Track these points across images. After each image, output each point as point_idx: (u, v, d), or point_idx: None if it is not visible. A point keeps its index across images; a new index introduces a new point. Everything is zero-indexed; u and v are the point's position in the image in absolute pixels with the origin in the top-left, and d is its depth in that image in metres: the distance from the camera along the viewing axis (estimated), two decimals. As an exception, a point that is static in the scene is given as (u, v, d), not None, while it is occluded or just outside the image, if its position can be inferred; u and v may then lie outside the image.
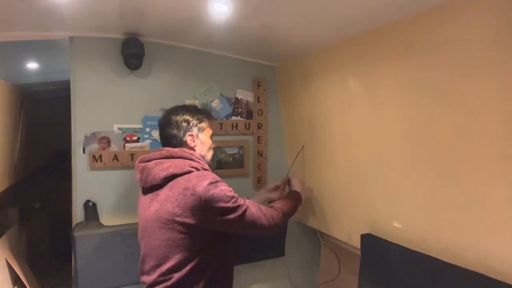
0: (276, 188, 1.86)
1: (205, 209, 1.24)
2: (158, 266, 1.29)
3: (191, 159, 1.36)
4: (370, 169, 1.60)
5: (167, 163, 1.32)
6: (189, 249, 1.27)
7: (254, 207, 1.37)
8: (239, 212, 1.30)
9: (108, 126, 1.88)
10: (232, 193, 1.31)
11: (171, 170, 1.29)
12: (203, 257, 1.30)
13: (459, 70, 1.14)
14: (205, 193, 1.23)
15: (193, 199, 1.23)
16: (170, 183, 1.29)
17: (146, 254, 1.35)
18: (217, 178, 1.31)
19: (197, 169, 1.33)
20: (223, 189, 1.28)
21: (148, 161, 1.37)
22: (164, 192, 1.29)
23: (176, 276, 1.26)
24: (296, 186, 1.78)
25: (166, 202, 1.27)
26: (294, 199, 1.66)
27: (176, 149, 1.38)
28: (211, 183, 1.26)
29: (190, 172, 1.30)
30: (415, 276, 1.34)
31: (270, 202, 1.66)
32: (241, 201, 1.33)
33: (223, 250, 1.40)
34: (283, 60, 2.17)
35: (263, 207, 1.43)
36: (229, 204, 1.28)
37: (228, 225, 1.32)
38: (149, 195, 1.35)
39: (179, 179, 1.28)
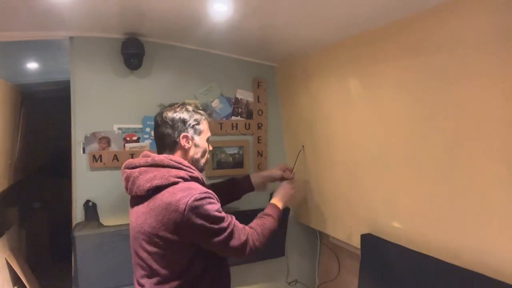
0: (282, 179, 1.80)
1: (187, 227, 1.17)
2: (148, 277, 1.25)
3: (179, 168, 1.26)
4: (370, 169, 1.60)
5: (152, 172, 1.23)
6: (177, 264, 1.23)
7: (238, 233, 1.27)
8: (221, 237, 1.22)
9: (108, 126, 1.88)
10: (217, 213, 1.22)
11: (155, 182, 1.20)
12: (194, 270, 1.25)
13: (459, 71, 1.14)
14: (188, 211, 1.15)
15: (175, 216, 1.15)
16: (155, 195, 1.21)
17: (136, 263, 1.31)
18: (205, 193, 1.20)
19: (184, 179, 1.24)
20: (208, 208, 1.18)
21: (134, 167, 1.28)
22: (148, 204, 1.22)
23: None
24: (276, 196, 1.61)
25: (150, 216, 1.20)
26: (276, 216, 1.50)
27: (161, 157, 1.27)
28: (196, 200, 1.16)
29: (175, 183, 1.21)
30: (415, 276, 1.34)
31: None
32: (226, 223, 1.24)
33: (218, 260, 1.33)
34: (283, 60, 2.17)
35: (247, 230, 1.33)
36: (213, 226, 1.19)
37: (209, 246, 1.24)
38: (136, 205, 1.29)
39: (164, 191, 1.20)
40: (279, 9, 1.43)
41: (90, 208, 1.84)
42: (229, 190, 1.72)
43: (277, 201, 1.58)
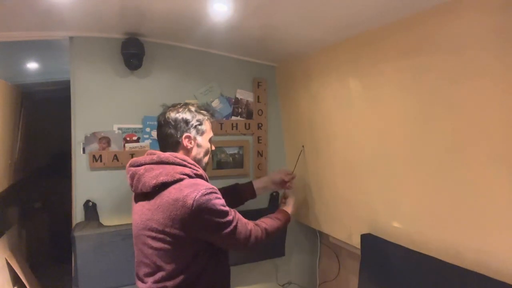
0: (282, 183, 1.82)
1: (195, 222, 1.20)
2: (151, 274, 1.26)
3: (183, 165, 1.29)
4: (370, 169, 1.60)
5: (158, 169, 1.26)
6: (182, 259, 1.24)
7: (242, 226, 1.32)
8: (228, 230, 1.26)
9: (108, 126, 1.88)
10: (224, 208, 1.26)
11: (161, 178, 1.23)
12: (197, 265, 1.27)
13: (459, 71, 1.14)
14: (196, 206, 1.17)
15: (183, 211, 1.18)
16: (161, 192, 1.23)
17: (139, 261, 1.32)
18: (210, 188, 1.24)
19: (189, 176, 1.27)
20: (215, 203, 1.22)
21: (139, 165, 1.31)
22: (155, 201, 1.24)
23: (170, 284, 1.24)
24: (289, 205, 1.70)
25: (157, 212, 1.22)
26: (283, 221, 1.58)
27: (167, 154, 1.30)
28: (204, 195, 1.19)
29: (181, 179, 1.24)
30: (415, 276, 1.34)
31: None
32: (230, 216, 1.28)
33: (219, 256, 1.36)
34: (283, 60, 2.17)
35: (250, 224, 1.38)
36: (219, 219, 1.23)
37: (214, 239, 1.28)
38: (141, 203, 1.31)
39: (170, 188, 1.22)
40: (279, 9, 1.43)
41: (90, 208, 1.84)
42: (232, 196, 1.72)
43: (288, 208, 1.68)
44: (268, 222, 1.48)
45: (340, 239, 1.89)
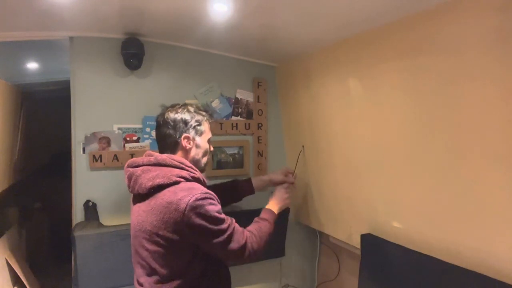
0: (282, 184, 1.79)
1: (187, 226, 1.17)
2: (148, 275, 1.25)
3: (181, 168, 1.27)
4: (370, 169, 1.60)
5: (155, 171, 1.24)
6: (176, 264, 1.23)
7: (236, 235, 1.26)
8: (221, 238, 1.21)
9: (108, 126, 1.88)
10: (218, 215, 1.21)
11: (157, 180, 1.21)
12: (193, 272, 1.25)
13: (458, 71, 1.14)
14: (189, 211, 1.15)
15: (176, 215, 1.16)
16: (156, 194, 1.22)
17: (136, 262, 1.31)
18: (205, 193, 1.21)
19: (186, 179, 1.24)
20: (209, 208, 1.19)
21: (136, 166, 1.29)
22: (149, 202, 1.23)
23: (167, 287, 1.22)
24: (273, 199, 1.60)
25: (151, 214, 1.21)
26: (272, 222, 1.48)
27: (164, 156, 1.29)
28: (197, 199, 1.17)
29: (177, 182, 1.22)
30: (415, 276, 1.34)
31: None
32: (225, 224, 1.23)
33: (218, 262, 1.33)
34: (283, 60, 2.17)
35: (246, 232, 1.32)
36: (213, 227, 1.19)
37: (208, 247, 1.24)
38: (138, 204, 1.30)
39: (165, 191, 1.21)
40: (279, 9, 1.43)
41: (90, 208, 1.84)
42: (230, 191, 1.71)
43: (272, 206, 1.57)
44: (258, 229, 1.40)
45: (340, 239, 1.89)
